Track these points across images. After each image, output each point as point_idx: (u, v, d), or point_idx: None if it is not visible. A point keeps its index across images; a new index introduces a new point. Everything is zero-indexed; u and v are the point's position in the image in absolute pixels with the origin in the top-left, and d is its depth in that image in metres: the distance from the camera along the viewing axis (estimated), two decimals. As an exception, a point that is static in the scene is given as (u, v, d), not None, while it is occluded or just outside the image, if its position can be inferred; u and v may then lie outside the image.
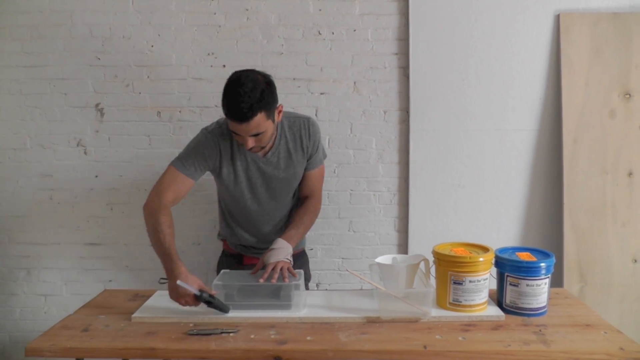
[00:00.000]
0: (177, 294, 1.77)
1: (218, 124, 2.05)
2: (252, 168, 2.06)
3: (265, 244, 2.19)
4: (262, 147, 1.96)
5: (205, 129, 2.06)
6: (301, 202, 2.20)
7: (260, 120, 1.83)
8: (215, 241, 2.83)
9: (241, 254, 2.27)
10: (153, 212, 1.94)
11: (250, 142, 1.88)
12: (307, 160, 2.12)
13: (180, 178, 1.99)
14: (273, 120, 1.91)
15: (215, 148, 2.02)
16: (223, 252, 2.37)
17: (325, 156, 2.21)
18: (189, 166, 2.00)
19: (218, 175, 2.09)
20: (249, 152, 2.01)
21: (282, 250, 1.96)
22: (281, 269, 1.90)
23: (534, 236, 2.80)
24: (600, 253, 2.69)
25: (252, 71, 1.89)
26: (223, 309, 1.80)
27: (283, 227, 2.21)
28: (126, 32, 2.76)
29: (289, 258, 1.97)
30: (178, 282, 1.73)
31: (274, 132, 1.98)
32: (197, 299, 1.76)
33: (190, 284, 1.75)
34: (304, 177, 2.17)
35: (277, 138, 2.05)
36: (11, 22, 2.75)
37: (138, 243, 2.86)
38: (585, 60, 2.68)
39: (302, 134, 2.07)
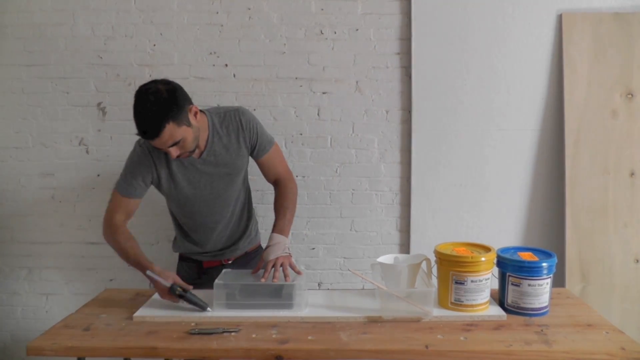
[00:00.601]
0: (159, 291, 1.87)
1: None
2: (191, 171, 2.03)
3: (222, 245, 2.22)
4: (192, 151, 1.93)
5: (138, 142, 2.04)
6: (275, 189, 2.18)
7: (171, 131, 1.81)
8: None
9: (200, 260, 2.26)
10: (110, 236, 2.03)
11: (174, 152, 1.87)
12: (253, 150, 2.10)
13: (125, 202, 2.02)
14: (188, 124, 1.86)
15: (148, 161, 2.00)
16: (181, 257, 2.33)
17: (272, 138, 2.17)
18: (130, 189, 2.01)
19: (158, 186, 2.07)
20: (185, 158, 1.99)
21: (279, 245, 1.96)
22: (282, 266, 1.91)
23: (535, 236, 2.80)
24: (602, 253, 2.68)
25: (154, 82, 1.87)
26: (198, 303, 1.81)
27: (237, 223, 2.22)
28: (128, 31, 2.76)
29: (288, 251, 1.98)
30: (147, 272, 1.83)
31: (199, 133, 1.94)
32: (170, 291, 1.81)
33: (164, 278, 1.82)
34: (261, 165, 2.17)
35: (209, 136, 2.01)
36: (13, 21, 2.75)
37: (140, 242, 2.84)
38: (587, 60, 2.68)
39: (236, 127, 2.05)
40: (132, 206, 2.05)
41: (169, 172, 2.02)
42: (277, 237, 1.99)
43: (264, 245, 2.30)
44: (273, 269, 1.89)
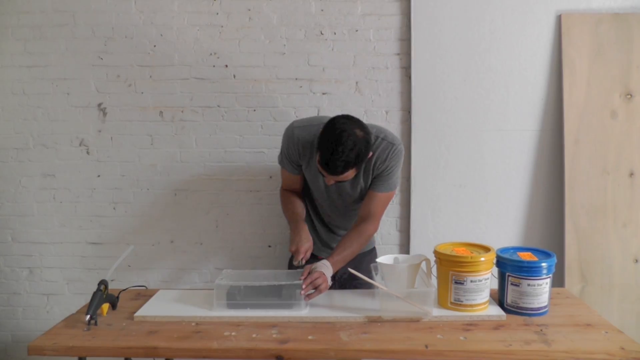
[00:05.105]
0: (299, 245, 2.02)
1: (311, 126, 2.08)
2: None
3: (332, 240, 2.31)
4: None
5: (293, 125, 2.14)
6: (356, 224, 2.13)
7: (349, 174, 1.91)
8: (217, 240, 2.86)
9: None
10: (283, 194, 2.29)
11: (332, 182, 1.98)
12: (373, 179, 2.09)
13: (290, 176, 2.22)
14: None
15: (296, 151, 2.10)
16: None
17: (397, 184, 2.15)
18: (289, 166, 2.18)
19: (303, 169, 2.18)
20: None
21: (327, 269, 1.92)
22: (319, 280, 1.87)
23: (535, 236, 2.81)
24: (601, 253, 2.69)
25: (353, 124, 1.90)
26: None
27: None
28: (128, 32, 2.77)
29: (331, 282, 1.93)
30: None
31: None
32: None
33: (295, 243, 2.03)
34: (367, 194, 2.13)
35: None
36: (14, 22, 2.76)
37: (140, 242, 2.87)
38: (586, 60, 2.69)
39: (379, 155, 2.04)
40: (293, 181, 2.24)
41: (309, 165, 2.14)
42: (328, 264, 1.95)
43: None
44: (309, 276, 1.88)
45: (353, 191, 2.14)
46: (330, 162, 1.84)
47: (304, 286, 1.84)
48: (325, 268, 1.92)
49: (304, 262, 1.95)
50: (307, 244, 2.02)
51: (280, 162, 2.21)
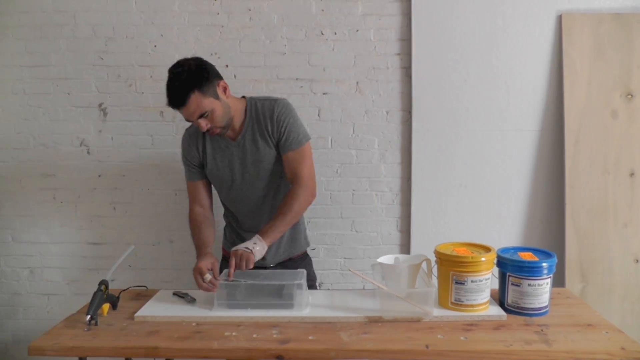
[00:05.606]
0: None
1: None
2: (227, 154, 2.10)
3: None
4: (223, 127, 2.00)
5: (186, 129, 2.20)
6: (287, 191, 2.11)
7: (197, 101, 1.88)
8: (217, 240, 2.85)
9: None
10: (189, 218, 2.19)
11: (203, 124, 1.95)
12: (278, 143, 2.08)
13: (190, 185, 2.21)
14: (217, 98, 1.94)
15: (193, 146, 2.14)
16: (225, 257, 2.36)
17: (305, 137, 2.09)
18: (188, 173, 2.19)
19: (204, 167, 2.16)
20: (223, 139, 2.07)
21: (247, 242, 1.93)
22: (241, 258, 1.88)
23: (535, 236, 2.81)
24: (601, 253, 2.69)
25: (186, 59, 1.95)
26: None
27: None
28: (129, 32, 2.77)
29: (250, 248, 1.91)
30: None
31: (230, 110, 2.01)
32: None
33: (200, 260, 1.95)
34: (283, 161, 2.11)
35: (245, 121, 2.08)
36: (14, 22, 2.76)
37: (141, 242, 2.87)
38: (587, 60, 2.69)
39: (265, 117, 2.06)
40: (197, 189, 2.18)
41: (213, 155, 2.12)
42: (256, 238, 1.96)
43: (310, 253, 2.40)
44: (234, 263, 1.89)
45: (263, 158, 2.09)
46: (170, 93, 1.89)
47: (231, 270, 1.86)
48: (252, 244, 1.92)
49: (210, 276, 1.90)
50: (208, 260, 1.95)
51: (185, 174, 2.20)
